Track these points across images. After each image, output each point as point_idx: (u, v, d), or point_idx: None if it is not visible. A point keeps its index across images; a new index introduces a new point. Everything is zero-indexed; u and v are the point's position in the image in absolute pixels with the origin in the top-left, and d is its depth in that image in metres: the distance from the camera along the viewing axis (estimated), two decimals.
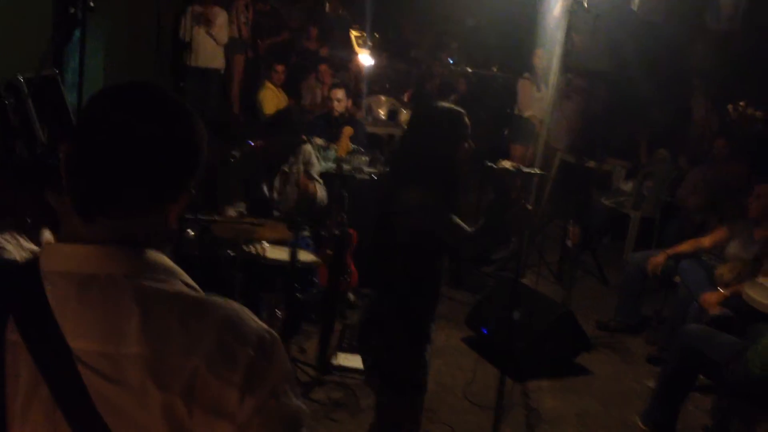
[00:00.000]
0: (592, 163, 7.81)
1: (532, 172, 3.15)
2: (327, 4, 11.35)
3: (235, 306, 1.13)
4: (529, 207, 2.85)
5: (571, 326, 4.90)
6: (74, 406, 1.05)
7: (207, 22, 8.19)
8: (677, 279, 5.22)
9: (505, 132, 8.68)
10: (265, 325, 1.13)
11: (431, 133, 2.78)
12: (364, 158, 5.73)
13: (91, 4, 4.05)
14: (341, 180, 4.59)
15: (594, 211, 7.52)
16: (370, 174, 5.58)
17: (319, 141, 5.98)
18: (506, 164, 3.04)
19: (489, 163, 3.02)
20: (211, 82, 8.65)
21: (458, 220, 2.72)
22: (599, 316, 5.80)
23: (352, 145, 5.77)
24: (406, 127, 3.08)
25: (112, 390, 1.04)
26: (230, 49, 9.21)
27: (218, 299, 1.13)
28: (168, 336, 1.06)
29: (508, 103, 8.56)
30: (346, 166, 5.30)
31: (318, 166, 5.01)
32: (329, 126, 6.06)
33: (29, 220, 1.96)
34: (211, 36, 8.36)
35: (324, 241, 4.57)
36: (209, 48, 8.38)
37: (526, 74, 8.24)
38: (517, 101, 8.41)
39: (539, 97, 7.56)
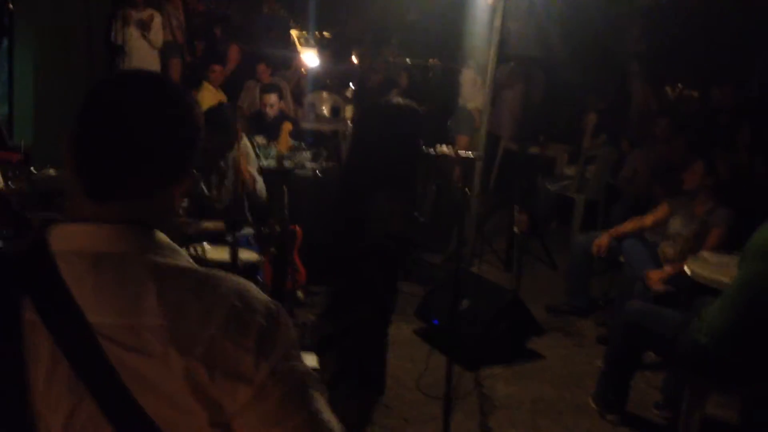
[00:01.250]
0: (535, 149, 7.88)
1: (469, 156, 3.13)
2: (265, 5, 11.24)
3: (241, 280, 1.18)
4: (468, 191, 2.83)
5: (519, 312, 4.90)
6: (97, 377, 1.07)
7: (143, 25, 8.02)
8: (622, 259, 5.26)
9: (449, 123, 8.69)
10: (268, 297, 1.19)
11: (390, 134, 2.74)
12: (306, 154, 5.67)
13: (10, 6, 3.89)
14: (282, 176, 4.51)
15: (539, 196, 7.57)
16: (313, 170, 5.52)
17: (259, 139, 5.90)
18: (444, 150, 3.01)
19: (429, 150, 2.98)
20: None
21: (420, 219, 2.75)
22: (549, 300, 5.83)
23: (293, 141, 5.70)
24: (357, 125, 3.03)
25: (135, 359, 1.07)
26: (165, 53, 9.03)
27: (225, 273, 1.18)
28: (184, 307, 1.10)
29: (450, 95, 8.57)
30: (288, 163, 5.22)
31: (256, 162, 4.93)
32: (266, 126, 5.98)
33: None
34: (147, 40, 8.18)
35: (266, 239, 4.50)
36: (144, 52, 8.18)
37: (470, 64, 8.26)
38: (461, 92, 8.43)
39: (484, 88, 7.57)
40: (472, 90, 8.09)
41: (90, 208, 1.15)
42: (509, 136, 7.88)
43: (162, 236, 1.20)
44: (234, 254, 3.70)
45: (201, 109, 1.26)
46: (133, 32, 7.95)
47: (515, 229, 6.50)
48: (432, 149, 2.96)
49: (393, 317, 5.19)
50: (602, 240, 5.27)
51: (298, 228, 4.82)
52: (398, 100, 2.90)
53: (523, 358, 4.96)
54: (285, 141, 4.86)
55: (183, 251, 1.22)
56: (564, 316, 5.65)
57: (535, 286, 6.17)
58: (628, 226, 5.30)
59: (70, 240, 1.14)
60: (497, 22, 6.23)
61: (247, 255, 4.13)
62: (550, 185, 7.58)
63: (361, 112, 2.96)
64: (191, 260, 1.22)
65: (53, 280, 1.10)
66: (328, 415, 1.16)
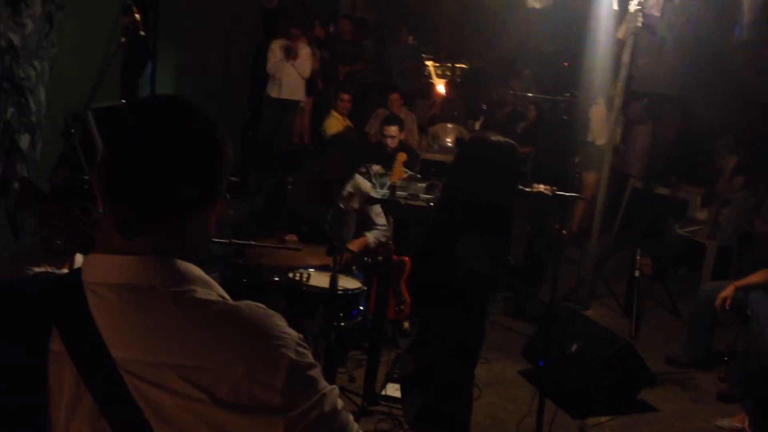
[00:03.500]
0: (666, 190, 7.54)
1: (570, 195, 3.01)
2: (399, 35, 11.41)
3: (271, 313, 1.16)
4: (565, 233, 2.73)
5: (632, 360, 4.66)
6: (119, 412, 1.07)
7: (293, 55, 8.39)
8: (749, 312, 4.91)
9: (577, 159, 8.47)
10: (295, 332, 1.17)
11: (486, 171, 2.69)
12: (421, 185, 5.67)
13: (142, 33, 4.14)
14: (390, 206, 4.52)
15: (667, 240, 7.22)
16: (427, 201, 5.50)
17: (377, 168, 5.97)
18: (541, 188, 2.91)
19: (522, 187, 2.90)
20: (288, 113, 8.80)
21: (513, 261, 2.68)
22: (669, 350, 5.52)
23: (408, 172, 5.72)
24: (453, 160, 2.99)
25: (157, 394, 1.07)
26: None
27: (254, 306, 1.16)
28: (210, 346, 1.09)
29: (580, 130, 8.37)
30: (401, 193, 5.23)
31: (373, 193, 4.97)
32: (385, 156, 6.04)
33: (59, 242, 1.98)
34: (295, 69, 8.53)
35: (371, 268, 4.51)
36: (293, 80, 8.57)
37: (599, 100, 8.06)
38: (590, 128, 8.22)
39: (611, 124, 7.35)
40: (602, 126, 7.88)
41: (119, 239, 1.14)
42: (639, 174, 7.58)
43: (192, 268, 1.17)
44: (334, 281, 3.73)
45: (226, 132, 1.21)
46: (285, 61, 8.34)
47: (637, 273, 6.23)
48: (527, 187, 2.88)
49: (499, 356, 5.13)
50: (726, 292, 4.95)
51: (407, 259, 4.80)
52: (496, 136, 2.83)
53: (634, 408, 4.71)
54: (398, 171, 4.87)
55: (215, 284, 1.19)
56: (683, 369, 5.33)
57: (655, 334, 5.87)
58: (756, 277, 4.95)
59: (99, 271, 1.14)
60: (626, 58, 6.05)
61: (350, 283, 4.15)
62: (679, 229, 7.21)
63: (458, 148, 2.89)
64: (223, 292, 1.19)
65: (81, 311, 1.10)
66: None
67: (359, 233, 4.82)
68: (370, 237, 4.77)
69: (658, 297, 6.65)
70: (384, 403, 4.29)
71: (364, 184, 4.94)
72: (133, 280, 1.12)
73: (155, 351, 1.08)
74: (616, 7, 6.98)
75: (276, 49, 8.33)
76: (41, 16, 4.62)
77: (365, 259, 4.52)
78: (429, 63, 15.24)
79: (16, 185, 4.32)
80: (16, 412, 1.10)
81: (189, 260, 1.18)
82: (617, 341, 4.72)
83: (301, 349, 1.14)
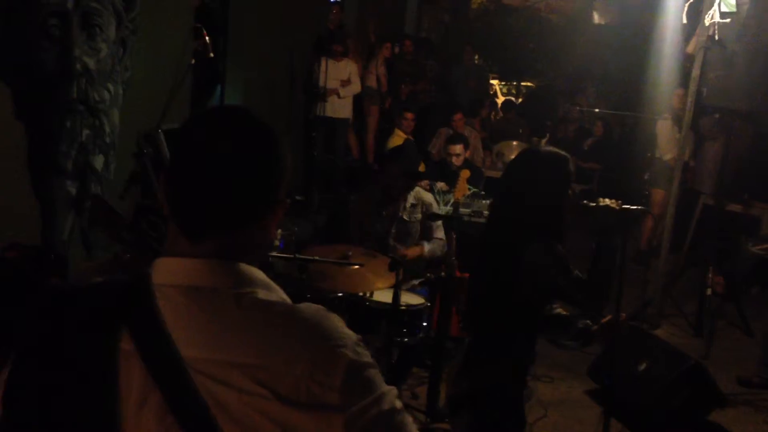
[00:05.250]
0: (738, 207, 7.32)
1: (637, 208, 2.95)
2: (463, 54, 11.44)
3: (330, 314, 1.19)
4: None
5: (702, 380, 4.53)
6: (187, 408, 1.10)
7: (340, 72, 8.47)
8: None
9: (646, 176, 8.32)
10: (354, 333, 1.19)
11: (538, 182, 2.66)
12: (485, 202, 5.64)
13: (211, 54, 4.26)
14: (453, 222, 4.52)
15: (740, 258, 7.00)
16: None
17: (440, 185, 5.98)
18: (607, 202, 2.87)
19: (587, 202, 2.87)
20: (337, 131, 8.88)
21: (577, 273, 2.63)
22: (741, 371, 5.35)
23: (471, 188, 5.71)
24: (504, 174, 2.95)
25: (223, 392, 1.10)
26: (366, 99, 9.44)
27: (314, 307, 1.19)
28: (272, 345, 1.12)
29: (647, 146, 8.23)
30: (464, 210, 5.22)
31: (435, 208, 4.98)
32: (449, 173, 6.05)
33: (128, 256, 2.07)
34: (343, 86, 8.62)
35: (434, 285, 4.51)
36: (338, 98, 8.65)
37: (666, 115, 7.91)
38: (657, 144, 8.07)
39: (680, 139, 7.21)
40: (669, 141, 7.73)
41: (185, 243, 1.20)
42: (710, 191, 7.39)
43: (254, 271, 1.21)
44: (396, 297, 3.74)
45: (285, 139, 1.26)
46: (332, 80, 8.42)
47: (709, 291, 6.06)
48: (593, 202, 2.84)
49: (564, 375, 5.05)
50: None
51: (464, 276, 4.79)
52: (548, 148, 2.81)
53: (702, 430, 4.57)
54: (462, 188, 4.87)
55: (276, 287, 1.23)
56: (755, 390, 5.15)
57: (727, 354, 5.69)
58: None
59: (167, 273, 1.19)
60: (696, 72, 5.94)
61: (413, 299, 4.16)
62: (752, 246, 6.98)
63: (510, 162, 2.86)
64: (284, 295, 1.23)
65: (150, 312, 1.15)
66: None
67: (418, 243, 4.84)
68: (426, 247, 4.78)
69: (730, 316, 6.45)
70: (447, 419, 4.27)
71: (427, 195, 4.95)
72: (198, 282, 1.17)
73: (220, 349, 1.12)
74: (685, 20, 6.87)
75: (321, 67, 8.39)
76: (116, 40, 4.80)
77: (428, 275, 4.52)
78: (494, 82, 15.23)
79: (89, 203, 4.48)
80: (89, 407, 1.14)
81: (251, 264, 1.23)
82: (687, 361, 4.59)
83: (359, 349, 1.17)
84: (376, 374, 1.17)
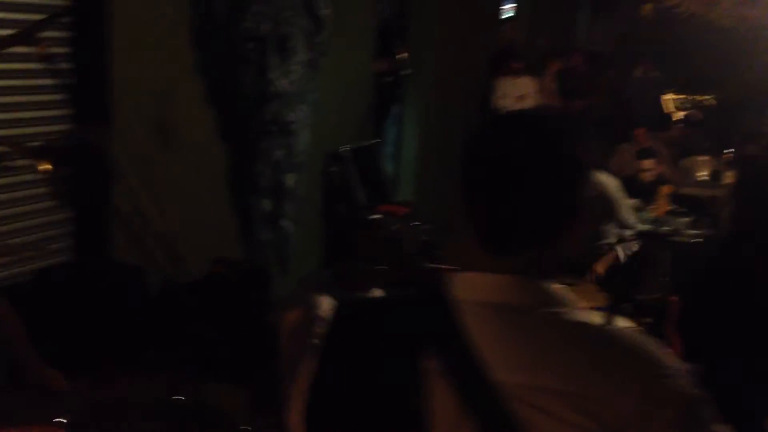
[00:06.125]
0: None
1: None
2: (639, 67, 10.98)
3: (650, 339, 1.08)
4: None
5: None
6: None
7: (518, 91, 8.33)
8: None
9: None
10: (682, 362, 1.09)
11: None
12: (683, 220, 5.29)
13: (408, 71, 4.23)
14: (659, 241, 4.24)
15: None
16: (692, 238, 5.12)
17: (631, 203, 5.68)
18: None
19: None
20: None
21: None
22: None
23: (671, 205, 5.38)
24: (737, 186, 2.70)
25: (543, 421, 1.02)
26: None
27: (636, 332, 1.09)
28: (597, 373, 1.03)
29: None
30: (665, 228, 4.91)
31: (632, 222, 4.71)
32: (639, 190, 5.76)
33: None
34: (518, 103, 8.45)
35: (642, 308, 4.23)
36: None
37: None
38: None
39: None
40: None
41: (486, 258, 1.11)
42: None
43: (559, 288, 1.12)
44: (609, 321, 3.50)
45: (587, 145, 1.15)
46: (510, 98, 8.27)
47: None
48: None
49: None
50: None
51: (674, 299, 4.47)
52: None
53: None
54: (663, 204, 4.57)
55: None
56: None
57: None
58: None
59: (472, 289, 1.11)
60: None
61: (621, 323, 3.90)
62: None
63: (740, 172, 2.58)
64: (594, 316, 1.12)
65: (457, 329, 1.08)
66: None
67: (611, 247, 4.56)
68: (620, 252, 4.50)
69: None
70: None
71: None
72: (506, 299, 1.09)
73: (537, 374, 1.03)
74: None
75: (498, 86, 8.23)
76: (307, 62, 4.90)
77: (638, 297, 4.26)
78: (669, 96, 14.50)
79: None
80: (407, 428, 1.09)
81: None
82: None
83: (690, 382, 1.04)
84: (707, 409, 1.05)
